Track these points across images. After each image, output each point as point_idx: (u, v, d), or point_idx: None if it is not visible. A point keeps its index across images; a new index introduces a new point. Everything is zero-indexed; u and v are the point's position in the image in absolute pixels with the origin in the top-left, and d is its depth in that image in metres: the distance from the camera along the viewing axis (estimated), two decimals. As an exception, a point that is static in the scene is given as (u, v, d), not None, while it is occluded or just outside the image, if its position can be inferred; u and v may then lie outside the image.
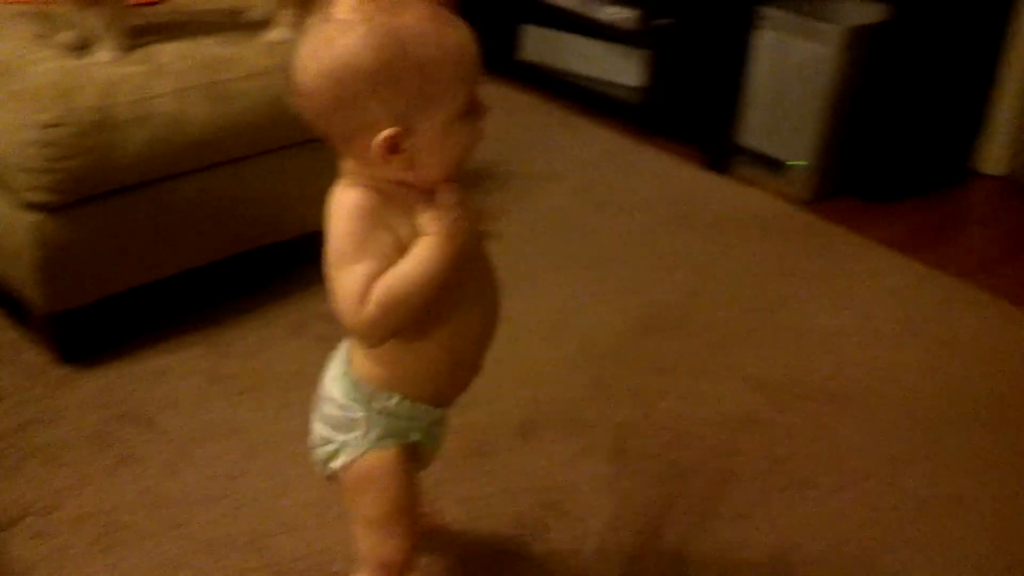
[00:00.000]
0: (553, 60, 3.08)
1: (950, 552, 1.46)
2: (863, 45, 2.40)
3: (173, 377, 1.75)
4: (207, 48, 1.88)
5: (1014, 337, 1.99)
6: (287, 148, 1.94)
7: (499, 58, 3.20)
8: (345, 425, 1.10)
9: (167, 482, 1.51)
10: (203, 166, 1.83)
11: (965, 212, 2.58)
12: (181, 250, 1.86)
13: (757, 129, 2.57)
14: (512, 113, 2.96)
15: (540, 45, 3.10)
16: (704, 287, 2.11)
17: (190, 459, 1.56)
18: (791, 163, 2.52)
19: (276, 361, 1.80)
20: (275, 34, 1.97)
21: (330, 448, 1.11)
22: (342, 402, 1.10)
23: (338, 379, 1.12)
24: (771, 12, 2.48)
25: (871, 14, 2.45)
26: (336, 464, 1.11)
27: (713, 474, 1.58)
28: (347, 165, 1.02)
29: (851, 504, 1.54)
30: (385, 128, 0.95)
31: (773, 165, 2.56)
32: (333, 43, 0.93)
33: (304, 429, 1.61)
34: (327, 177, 2.06)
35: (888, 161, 2.53)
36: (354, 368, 1.10)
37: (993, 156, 2.70)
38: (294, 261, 2.11)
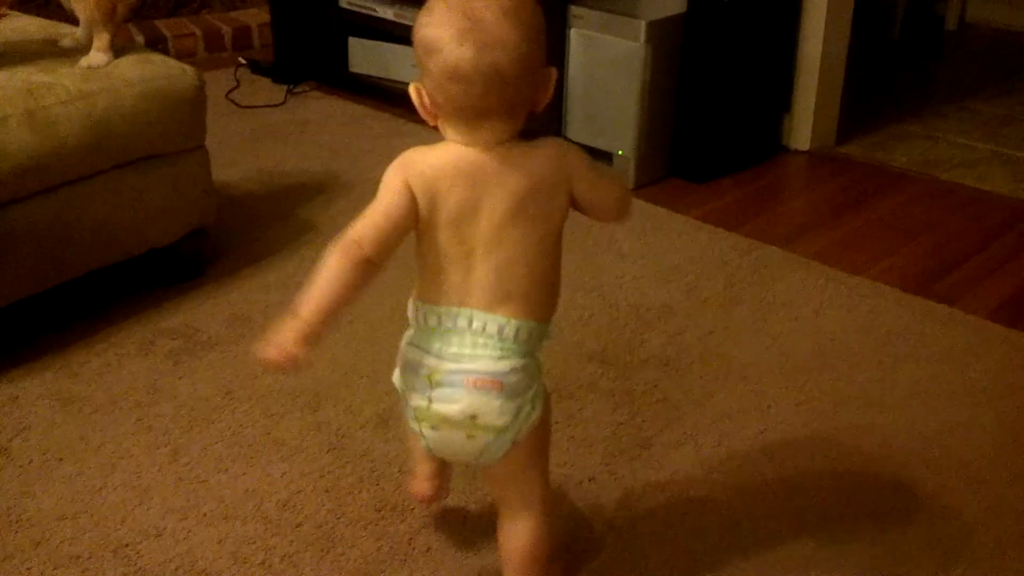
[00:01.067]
0: (381, 70, 3.14)
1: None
2: (666, 37, 2.56)
3: (24, 403, 1.74)
4: (24, 75, 1.88)
5: (832, 294, 2.16)
6: (117, 168, 1.95)
7: (332, 72, 3.25)
8: (524, 383, 1.17)
9: (25, 503, 1.51)
10: (31, 193, 1.83)
11: (778, 185, 2.77)
12: (20, 277, 1.84)
13: (580, 122, 2.71)
14: (347, 124, 3.02)
15: (368, 57, 3.17)
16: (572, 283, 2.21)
17: (47, 480, 1.56)
18: (615, 152, 2.66)
19: (127, 379, 1.81)
20: (91, 59, 1.98)
21: (526, 410, 1.18)
22: (517, 365, 1.16)
23: (509, 353, 1.16)
24: (580, 11, 2.61)
25: (671, 7, 2.61)
26: (535, 415, 1.19)
27: (563, 443, 1.67)
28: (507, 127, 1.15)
29: (687, 458, 1.66)
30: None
31: (599, 155, 2.70)
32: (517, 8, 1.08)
33: (160, 441, 1.64)
34: (160, 195, 2.11)
35: (704, 143, 2.69)
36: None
37: (799, 133, 2.91)
38: (137, 279, 2.12)
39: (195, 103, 2.05)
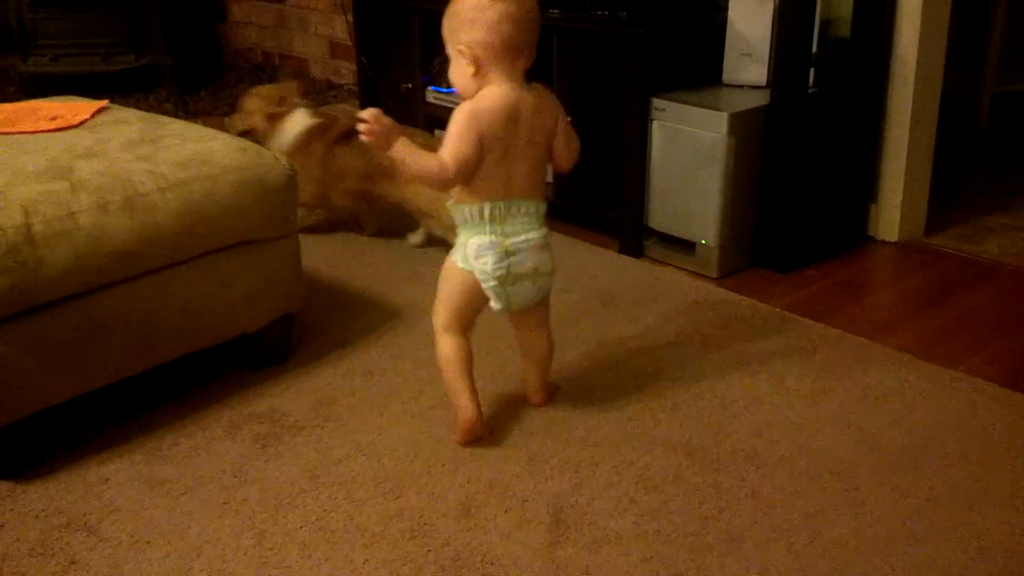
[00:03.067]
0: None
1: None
2: (749, 128, 2.57)
3: (113, 484, 1.76)
4: (124, 163, 1.95)
5: (921, 388, 2.10)
6: (210, 254, 2.00)
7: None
8: (550, 241, 1.87)
9: (112, 586, 1.52)
10: (127, 277, 1.88)
11: (865, 276, 2.72)
12: (113, 360, 1.88)
13: (663, 212, 2.71)
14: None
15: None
16: (628, 363, 2.20)
17: (136, 561, 1.57)
18: (698, 242, 2.65)
19: (214, 462, 1.83)
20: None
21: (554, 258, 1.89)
22: (546, 230, 1.86)
23: (542, 223, 1.85)
24: (663, 103, 2.63)
25: (754, 99, 2.62)
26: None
27: (648, 537, 1.64)
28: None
29: (780, 556, 1.61)
30: None
31: (683, 245, 2.69)
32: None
33: (245, 525, 1.65)
34: (250, 282, 2.14)
35: (788, 233, 2.67)
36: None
37: (886, 223, 2.87)
38: (226, 363, 2.15)
39: (287, 192, 2.10)
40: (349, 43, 4.06)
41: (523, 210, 1.79)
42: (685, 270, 2.68)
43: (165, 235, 1.90)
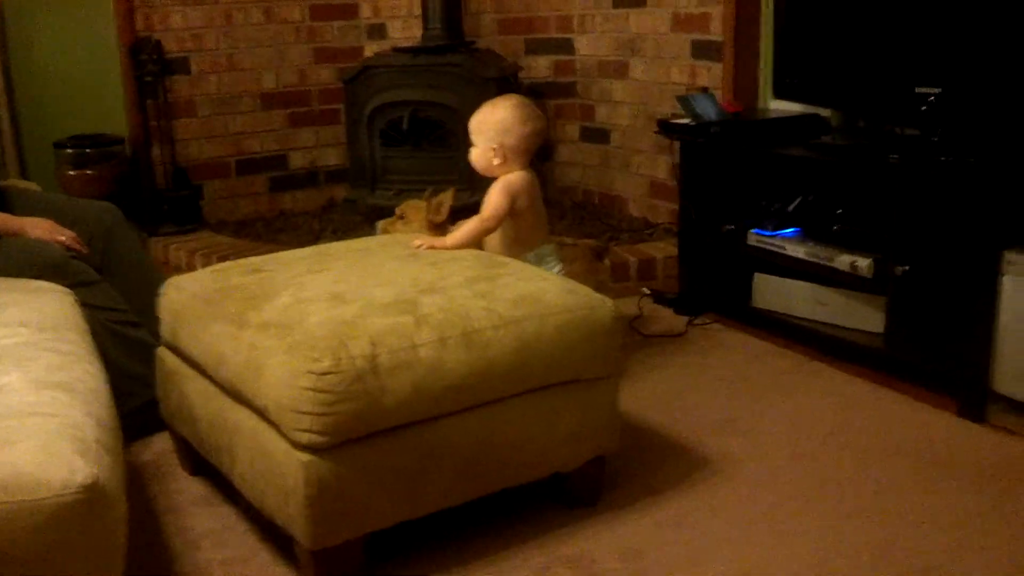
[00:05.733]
0: (786, 307, 3.10)
1: None
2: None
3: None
4: (463, 299, 2.03)
5: None
6: (535, 391, 2.03)
7: (734, 305, 3.26)
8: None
9: None
10: (459, 409, 1.94)
11: None
12: (440, 489, 1.94)
13: (1012, 375, 2.46)
14: (749, 359, 2.98)
15: (773, 293, 3.14)
16: (972, 546, 1.98)
17: None
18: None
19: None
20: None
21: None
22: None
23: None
24: (1017, 256, 2.42)
25: None
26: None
27: None
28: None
29: None
30: None
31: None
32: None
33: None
34: (572, 420, 2.13)
35: None
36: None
37: None
38: (537, 501, 2.15)
39: (611, 334, 2.11)
40: (669, 183, 4.10)
41: (549, 248, 2.59)
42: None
43: (497, 370, 1.95)
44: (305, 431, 1.79)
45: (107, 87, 4.38)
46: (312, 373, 1.79)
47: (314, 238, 4.25)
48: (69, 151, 4.17)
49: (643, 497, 2.20)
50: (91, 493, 1.30)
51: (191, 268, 4.03)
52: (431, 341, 1.90)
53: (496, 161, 2.49)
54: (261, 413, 1.91)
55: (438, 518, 1.99)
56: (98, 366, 1.91)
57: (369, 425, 1.84)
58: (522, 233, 2.52)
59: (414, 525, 1.95)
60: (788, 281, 3.09)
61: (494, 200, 2.47)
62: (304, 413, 1.79)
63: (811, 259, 2.96)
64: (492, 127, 2.49)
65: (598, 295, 2.15)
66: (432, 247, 2.43)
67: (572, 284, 2.17)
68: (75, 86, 4.33)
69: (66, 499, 1.28)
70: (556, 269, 2.51)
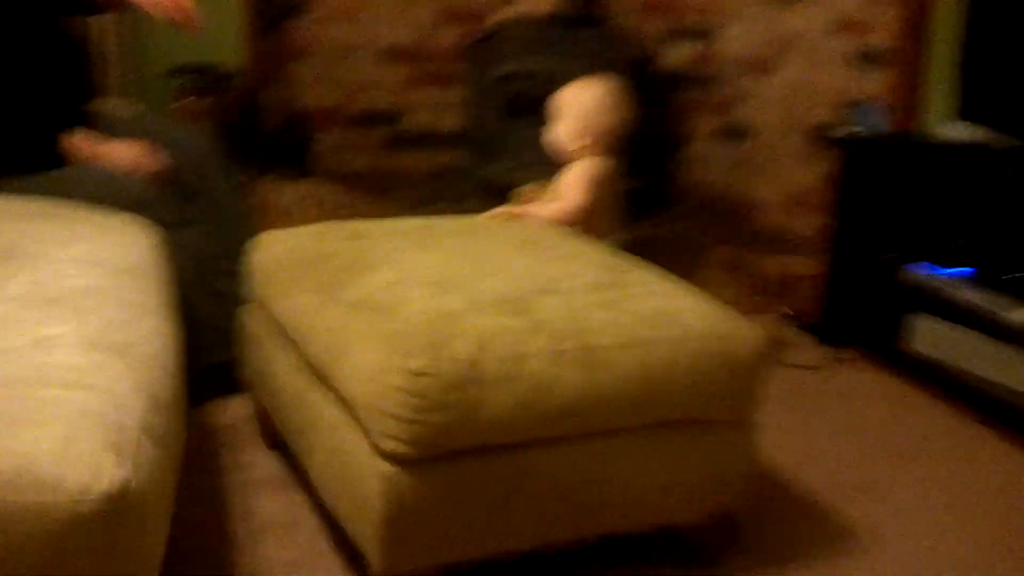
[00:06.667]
0: (948, 356, 2.69)
1: None
2: None
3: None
4: (584, 306, 1.73)
5: None
6: (655, 427, 1.73)
7: (885, 343, 2.89)
8: None
9: None
10: (565, 436, 1.65)
11: None
12: (532, 525, 1.65)
13: None
14: (897, 410, 2.62)
15: (933, 337, 2.74)
16: None
17: None
18: None
19: None
20: None
21: None
22: None
23: None
24: None
25: None
26: None
27: None
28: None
29: None
30: None
31: None
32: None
33: None
34: (695, 467, 1.78)
35: None
36: None
37: None
38: (642, 555, 1.85)
39: (755, 370, 1.79)
40: (813, 195, 3.72)
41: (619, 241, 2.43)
42: None
43: (616, 397, 1.65)
44: (391, 437, 1.53)
45: (227, 17, 4.17)
46: (406, 371, 1.52)
47: (423, 203, 4.01)
48: (178, 79, 3.97)
49: (772, 566, 1.88)
50: (116, 503, 1.04)
51: (296, 216, 3.86)
52: (544, 352, 1.61)
53: (580, 143, 2.41)
54: (345, 404, 1.65)
55: (524, 563, 1.71)
56: (172, 322, 1.67)
57: (462, 441, 1.56)
58: (595, 224, 2.39)
59: (495, 569, 1.67)
60: (952, 327, 2.68)
61: (579, 193, 2.38)
62: (391, 416, 1.52)
63: (982, 307, 2.57)
64: (583, 109, 2.41)
65: (745, 321, 1.82)
66: (516, 215, 2.36)
67: (715, 305, 1.85)
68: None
69: (83, 507, 1.02)
70: None
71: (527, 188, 2.68)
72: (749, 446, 1.83)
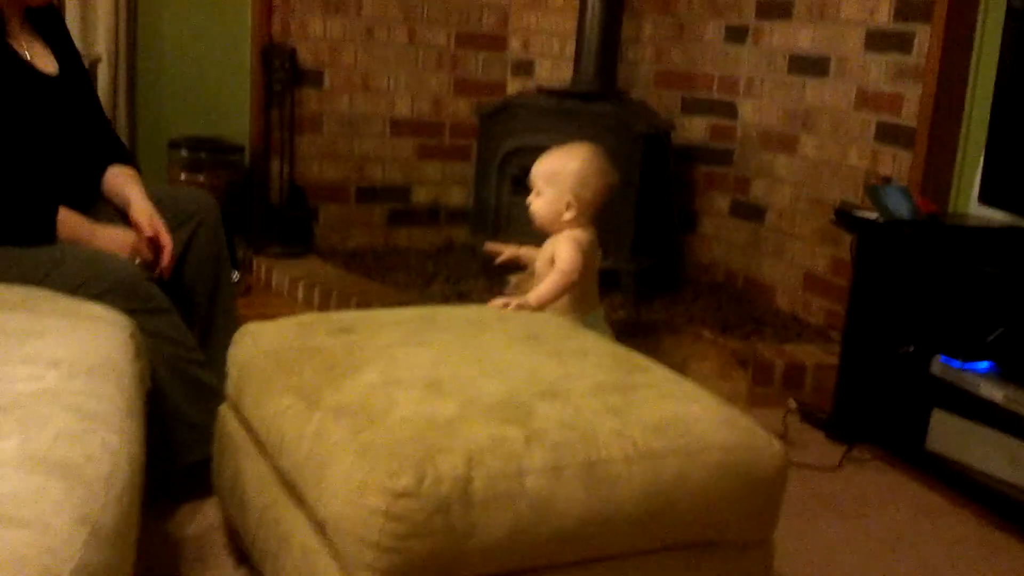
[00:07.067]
0: (972, 458, 2.53)
1: None
2: None
3: None
4: (589, 415, 1.58)
5: None
6: (663, 551, 1.57)
7: (902, 441, 2.72)
8: None
9: None
10: (563, 563, 1.49)
11: None
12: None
13: None
14: (917, 516, 2.45)
15: (956, 437, 2.58)
16: None
17: None
18: None
19: None
20: None
21: None
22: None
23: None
24: None
25: None
26: None
27: None
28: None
29: None
30: None
31: None
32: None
33: None
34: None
35: None
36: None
37: None
38: None
39: (774, 487, 1.63)
40: (829, 279, 3.59)
41: (599, 312, 2.49)
42: None
43: (622, 518, 1.49)
44: (368, 567, 1.36)
45: (233, 91, 4.11)
46: (386, 490, 1.36)
47: (426, 282, 3.88)
48: (183, 153, 3.89)
49: None
50: None
51: (292, 296, 3.77)
52: (543, 468, 1.45)
53: (568, 215, 2.37)
54: (318, 526, 1.49)
55: None
56: (128, 435, 1.51)
57: (447, 572, 1.40)
58: (579, 295, 2.39)
59: None
60: (976, 426, 2.52)
61: (570, 255, 2.34)
62: (368, 544, 1.36)
63: (1009, 406, 2.41)
64: (568, 177, 2.36)
65: (764, 432, 1.66)
66: (520, 306, 2.23)
67: (729, 411, 1.69)
68: (200, 85, 4.07)
69: None
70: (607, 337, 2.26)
71: (517, 276, 2.59)
72: (768, 570, 1.67)
